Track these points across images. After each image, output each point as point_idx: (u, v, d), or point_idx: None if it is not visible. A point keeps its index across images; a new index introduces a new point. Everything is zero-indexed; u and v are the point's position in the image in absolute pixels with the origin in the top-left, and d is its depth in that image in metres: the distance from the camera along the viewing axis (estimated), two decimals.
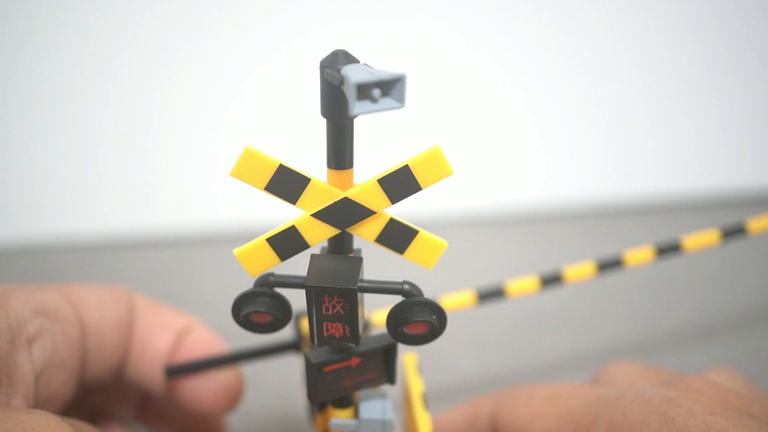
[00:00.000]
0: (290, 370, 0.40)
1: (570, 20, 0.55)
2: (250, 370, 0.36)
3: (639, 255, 0.35)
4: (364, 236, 0.25)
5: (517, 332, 0.46)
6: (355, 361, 0.26)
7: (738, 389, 0.29)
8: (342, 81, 0.21)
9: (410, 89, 0.20)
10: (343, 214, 0.24)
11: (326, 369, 0.26)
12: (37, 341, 0.27)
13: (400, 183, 0.23)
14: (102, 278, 0.51)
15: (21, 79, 0.52)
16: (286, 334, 0.30)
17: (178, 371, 0.31)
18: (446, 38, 0.54)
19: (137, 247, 0.54)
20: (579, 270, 0.35)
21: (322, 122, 0.23)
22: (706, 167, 0.59)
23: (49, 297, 0.28)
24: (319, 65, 0.22)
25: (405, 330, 0.25)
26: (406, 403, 0.32)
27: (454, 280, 0.49)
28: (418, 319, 0.25)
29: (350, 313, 0.24)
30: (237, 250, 0.24)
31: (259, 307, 0.25)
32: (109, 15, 0.51)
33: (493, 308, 0.45)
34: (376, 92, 0.20)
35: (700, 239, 0.35)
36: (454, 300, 0.35)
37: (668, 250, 0.35)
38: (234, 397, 0.32)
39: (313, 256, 0.25)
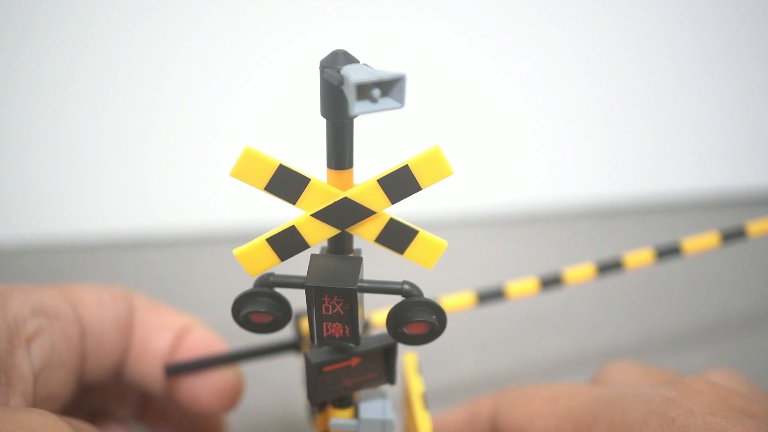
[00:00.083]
0: (290, 370, 0.40)
1: (570, 20, 0.55)
2: (250, 370, 0.36)
3: (639, 257, 0.35)
4: (364, 236, 0.25)
5: (517, 332, 0.46)
6: (355, 361, 0.26)
7: (738, 389, 0.29)
8: (342, 81, 0.21)
9: (410, 89, 0.20)
10: (343, 214, 0.24)
11: (326, 369, 0.26)
12: (36, 341, 0.27)
13: (400, 183, 0.23)
14: (102, 278, 0.51)
15: (21, 79, 0.52)
16: (286, 334, 0.30)
17: (177, 370, 0.31)
18: (446, 38, 0.54)
19: (137, 247, 0.54)
20: (579, 272, 0.35)
21: (322, 122, 0.23)
22: (706, 167, 0.59)
23: (47, 296, 0.28)
24: (318, 65, 0.22)
25: (405, 330, 0.25)
26: (406, 403, 0.32)
27: (454, 280, 0.49)
28: (418, 319, 0.25)
29: (350, 313, 0.24)
30: (237, 250, 0.24)
31: (259, 307, 0.25)
32: (109, 15, 0.51)
33: (493, 308, 0.45)
34: (376, 92, 0.20)
35: (700, 242, 0.35)
36: (454, 301, 0.35)
37: (668, 252, 0.35)
38: (234, 397, 0.32)
39: (313, 256, 0.25)
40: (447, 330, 0.25)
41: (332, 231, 0.24)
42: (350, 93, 0.20)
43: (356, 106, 0.20)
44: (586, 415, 0.28)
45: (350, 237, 0.25)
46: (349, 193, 0.24)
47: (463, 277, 0.51)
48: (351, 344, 0.25)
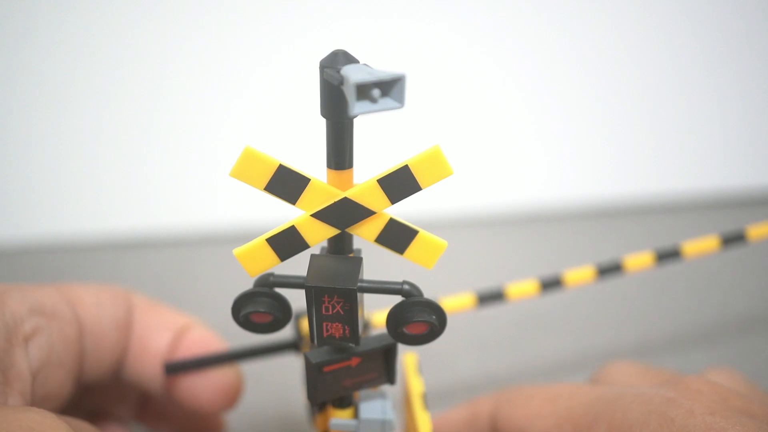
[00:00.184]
0: (290, 370, 0.40)
1: (570, 20, 0.55)
2: (249, 369, 0.36)
3: (639, 260, 0.35)
4: (364, 236, 0.25)
5: (517, 332, 0.46)
6: (355, 361, 0.26)
7: (738, 389, 0.29)
8: (342, 81, 0.21)
9: (410, 89, 0.20)
10: (343, 214, 0.24)
11: (326, 369, 0.26)
12: (34, 340, 0.27)
13: (399, 183, 0.23)
14: (102, 278, 0.51)
15: (21, 79, 0.52)
16: (285, 333, 0.30)
17: (177, 368, 0.31)
18: (446, 38, 0.54)
19: (137, 247, 0.54)
20: (579, 274, 0.35)
21: (322, 122, 0.23)
22: (706, 167, 0.59)
23: (46, 296, 0.28)
24: (318, 65, 0.22)
25: (405, 330, 0.25)
26: (406, 403, 0.32)
27: (454, 280, 0.49)
28: (418, 319, 0.25)
29: (350, 313, 0.24)
30: (237, 250, 0.24)
31: (258, 307, 0.25)
32: (109, 15, 0.51)
33: (493, 309, 0.45)
34: (376, 92, 0.20)
35: (700, 245, 0.35)
36: (454, 302, 0.35)
37: (668, 256, 0.35)
38: (233, 396, 0.32)
39: (312, 256, 0.25)
40: (447, 330, 0.25)
41: (332, 231, 0.24)
42: (350, 93, 0.20)
43: (356, 106, 0.20)
44: (586, 415, 0.28)
45: (350, 237, 0.25)
46: (349, 193, 0.24)
47: (463, 277, 0.51)
48: (351, 344, 0.25)
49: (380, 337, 0.26)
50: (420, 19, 0.53)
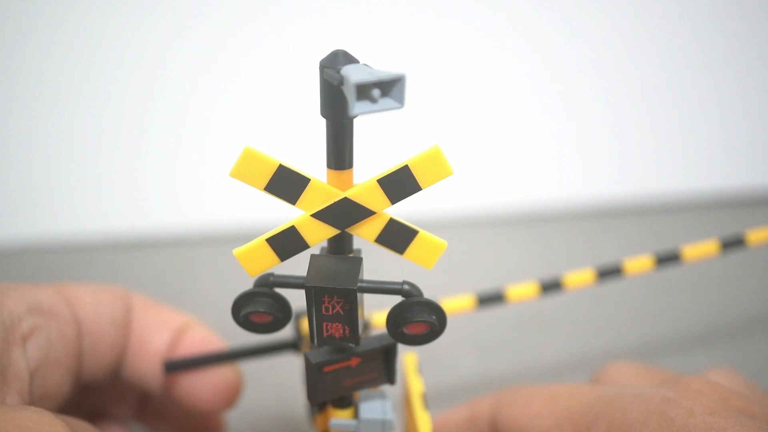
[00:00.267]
0: (290, 370, 0.40)
1: (570, 20, 0.55)
2: (249, 369, 0.36)
3: (638, 264, 0.35)
4: (364, 236, 0.25)
5: (517, 333, 0.46)
6: (355, 361, 0.26)
7: (738, 389, 0.29)
8: (342, 81, 0.21)
9: (410, 89, 0.20)
10: (343, 214, 0.24)
11: (326, 369, 0.26)
12: (32, 339, 0.27)
13: (399, 183, 0.23)
14: (102, 278, 0.51)
15: (21, 79, 0.52)
16: (286, 333, 0.30)
17: (176, 366, 0.31)
18: (446, 38, 0.54)
19: (137, 247, 0.54)
20: (579, 277, 0.35)
21: (322, 122, 0.23)
22: (706, 167, 0.59)
23: (44, 295, 0.28)
24: (318, 65, 0.22)
25: (405, 330, 0.25)
26: (406, 403, 0.32)
27: (454, 280, 0.49)
28: (418, 319, 0.25)
29: (350, 314, 0.24)
30: (237, 251, 0.24)
31: (258, 307, 0.25)
32: (109, 15, 0.51)
33: (493, 309, 0.45)
34: (376, 92, 0.20)
35: (700, 249, 0.35)
36: (454, 303, 0.35)
37: (668, 259, 0.35)
38: (233, 395, 0.32)
39: (312, 256, 0.25)
40: (447, 330, 0.25)
41: (332, 231, 0.24)
42: (350, 93, 0.20)
43: (356, 107, 0.20)
44: (585, 415, 0.28)
45: (350, 237, 0.25)
46: (349, 194, 0.24)
47: (463, 277, 0.51)
48: (351, 344, 0.25)
49: (380, 337, 0.26)
50: (420, 19, 0.53)
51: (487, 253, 0.54)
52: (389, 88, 0.20)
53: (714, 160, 0.59)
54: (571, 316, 0.48)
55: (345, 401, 0.27)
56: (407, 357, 0.31)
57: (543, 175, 0.58)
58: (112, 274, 0.52)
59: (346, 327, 0.24)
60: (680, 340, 0.46)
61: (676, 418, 0.25)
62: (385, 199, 0.24)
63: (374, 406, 0.27)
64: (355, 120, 0.23)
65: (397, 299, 0.25)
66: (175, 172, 0.55)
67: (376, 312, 0.33)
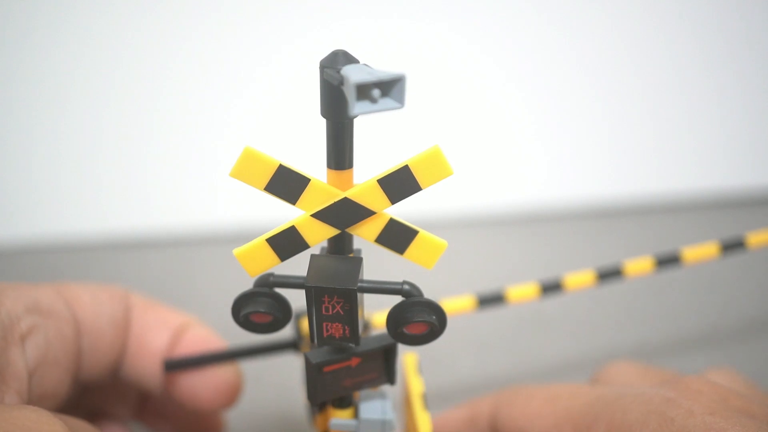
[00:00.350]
0: (290, 370, 0.40)
1: (570, 20, 0.55)
2: (249, 369, 0.36)
3: (638, 265, 0.35)
4: (364, 236, 0.25)
5: (517, 333, 0.46)
6: (355, 361, 0.26)
7: (738, 389, 0.29)
8: (342, 81, 0.21)
9: (410, 89, 0.20)
10: (343, 214, 0.24)
11: (326, 369, 0.26)
12: (31, 338, 0.27)
13: (400, 183, 0.23)
14: (102, 278, 0.51)
15: (21, 79, 0.52)
16: (286, 333, 0.30)
17: (176, 365, 0.31)
18: (446, 38, 0.54)
19: (137, 247, 0.54)
20: (579, 278, 0.35)
21: (322, 122, 0.23)
22: (706, 167, 0.59)
23: (43, 294, 0.28)
24: (318, 65, 0.22)
25: (405, 330, 0.25)
26: (406, 403, 0.32)
27: (454, 280, 0.49)
28: (418, 319, 0.25)
29: (350, 314, 0.24)
30: (237, 251, 0.24)
31: (258, 307, 0.25)
32: (110, 15, 0.51)
33: (493, 309, 0.45)
34: (376, 92, 0.20)
35: (700, 252, 0.35)
36: (454, 304, 0.35)
37: (668, 261, 0.35)
38: (233, 394, 0.32)
39: (313, 256, 0.25)
40: (447, 330, 0.25)
41: (332, 231, 0.24)
42: (350, 93, 0.20)
43: (356, 107, 0.20)
44: (585, 415, 0.28)
45: (350, 237, 0.25)
46: (349, 194, 0.24)
47: (463, 277, 0.51)
48: (351, 344, 0.25)
49: (380, 337, 0.26)
50: (420, 19, 0.53)
51: (487, 253, 0.54)
52: (389, 88, 0.20)
53: (714, 160, 0.59)
54: (571, 316, 0.48)
55: (345, 401, 0.27)
56: (407, 357, 0.31)
57: (543, 175, 0.58)
58: (112, 274, 0.52)
59: (346, 327, 0.24)
60: (680, 340, 0.46)
61: (676, 418, 0.25)
62: (385, 199, 0.24)
63: (374, 406, 0.27)
64: (355, 120, 0.23)
65: (397, 299, 0.25)
66: (175, 172, 0.55)
67: (376, 312, 0.33)
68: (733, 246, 0.35)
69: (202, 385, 0.32)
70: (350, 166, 0.24)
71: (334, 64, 0.21)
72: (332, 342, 0.25)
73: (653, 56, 0.56)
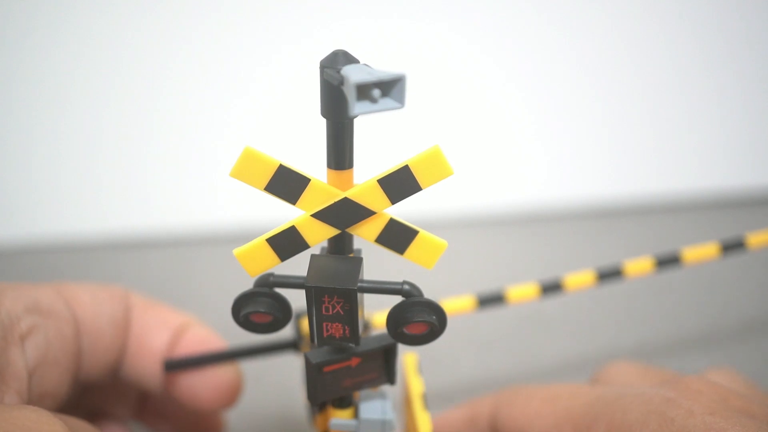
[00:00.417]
0: (290, 370, 0.40)
1: (570, 20, 0.55)
2: (249, 369, 0.36)
3: (638, 266, 0.35)
4: (364, 236, 0.25)
5: (517, 333, 0.46)
6: (355, 361, 0.26)
7: (738, 389, 0.29)
8: (342, 81, 0.21)
9: (410, 89, 0.20)
10: (343, 214, 0.24)
11: (326, 369, 0.26)
12: (30, 338, 0.27)
13: (400, 183, 0.23)
14: (102, 278, 0.51)
15: (21, 79, 0.52)
16: (286, 333, 0.30)
17: (176, 365, 0.31)
18: (446, 38, 0.54)
19: (137, 247, 0.54)
20: (579, 278, 0.35)
21: (322, 122, 0.23)
22: (706, 167, 0.59)
23: (42, 294, 0.28)
24: (318, 65, 0.22)
25: (405, 330, 0.25)
26: (406, 403, 0.32)
27: (454, 280, 0.49)
28: (418, 319, 0.25)
29: (350, 314, 0.24)
30: (237, 251, 0.24)
31: (258, 307, 0.25)
32: (110, 15, 0.51)
33: (493, 309, 0.45)
34: (376, 92, 0.20)
35: (700, 252, 0.35)
36: (454, 304, 0.35)
37: (668, 261, 0.35)
38: (233, 394, 0.32)
39: (313, 256, 0.25)
40: (447, 330, 0.25)
41: (332, 231, 0.24)
42: (350, 93, 0.20)
43: (356, 107, 0.20)
44: (585, 415, 0.28)
45: (350, 237, 0.25)
46: (349, 194, 0.24)
47: (463, 277, 0.51)
48: (351, 344, 0.25)
49: (380, 337, 0.26)
50: (420, 19, 0.53)
51: (487, 253, 0.54)
52: (389, 88, 0.20)
53: (714, 160, 0.59)
54: (571, 316, 0.48)
55: (345, 401, 0.27)
56: (407, 357, 0.31)
57: (543, 175, 0.58)
58: (112, 274, 0.52)
59: (346, 327, 0.24)
60: (680, 340, 0.46)
61: (676, 418, 0.25)
62: (386, 199, 0.24)
63: (374, 406, 0.27)
64: (355, 120, 0.23)
65: (397, 299, 0.25)
66: (175, 172, 0.55)
67: (376, 312, 0.33)
68: (733, 246, 0.35)
69: (202, 385, 0.32)
70: (350, 166, 0.24)
71: (334, 64, 0.21)
72: (332, 342, 0.25)
73: (653, 56, 0.56)
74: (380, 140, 0.46)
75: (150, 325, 0.32)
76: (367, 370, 0.27)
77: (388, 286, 0.25)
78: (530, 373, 0.44)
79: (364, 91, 0.20)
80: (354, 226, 0.24)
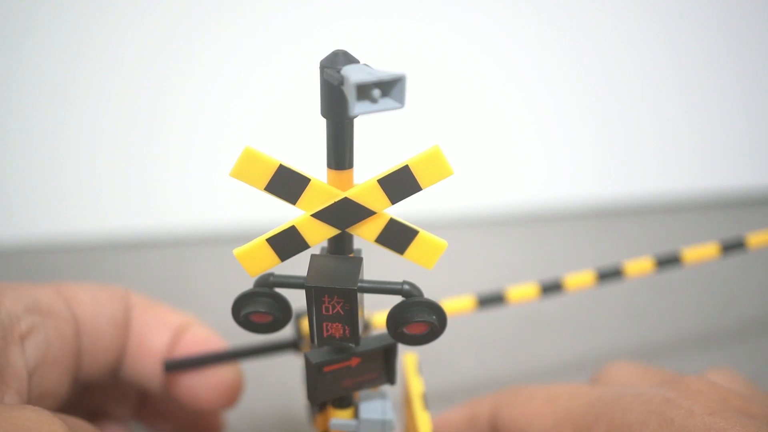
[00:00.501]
0: (290, 370, 0.40)
1: (570, 20, 0.55)
2: (250, 369, 0.36)
3: (639, 266, 0.35)
4: (364, 236, 0.25)
5: (517, 333, 0.46)
6: (355, 361, 0.26)
7: (738, 389, 0.29)
8: (342, 81, 0.21)
9: (410, 89, 0.20)
10: (343, 214, 0.24)
11: (326, 369, 0.26)
12: (30, 338, 0.27)
13: (400, 183, 0.23)
14: (102, 278, 0.51)
15: (21, 79, 0.52)
16: (286, 333, 0.30)
17: (176, 366, 0.31)
18: (446, 38, 0.54)
19: (137, 247, 0.54)
20: (579, 278, 0.35)
21: (322, 122, 0.23)
22: (706, 167, 0.59)
23: (42, 294, 0.28)
24: (319, 65, 0.22)
25: (405, 330, 0.25)
26: (406, 403, 0.32)
27: (454, 280, 0.49)
28: (418, 319, 0.25)
29: (350, 314, 0.24)
30: (237, 251, 0.24)
31: (259, 307, 0.25)
32: (110, 15, 0.51)
33: (493, 309, 0.45)
34: (376, 92, 0.20)
35: (700, 252, 0.35)
36: (454, 304, 0.35)
37: (668, 261, 0.35)
38: (234, 394, 0.32)
39: (313, 256, 0.25)
40: (447, 330, 0.25)
41: (332, 231, 0.24)
42: (350, 93, 0.20)
43: (356, 107, 0.20)
44: (585, 415, 0.28)
45: (350, 237, 0.25)
46: (349, 193, 0.24)
47: (463, 277, 0.51)
48: (351, 344, 0.25)
49: (380, 337, 0.26)
50: (420, 19, 0.53)
51: (487, 253, 0.54)
52: (389, 88, 0.20)
53: (714, 160, 0.59)
54: (571, 316, 0.48)
55: (345, 401, 0.27)
56: (407, 357, 0.31)
57: (543, 175, 0.58)
58: (112, 274, 0.52)
59: (346, 327, 0.24)
60: (680, 340, 0.46)
61: (675, 419, 0.25)
62: (386, 199, 0.24)
63: (374, 406, 0.27)
64: (355, 120, 0.23)
65: (397, 299, 0.25)
66: (175, 172, 0.55)
67: (376, 312, 0.33)
68: (733, 246, 0.35)
69: (202, 385, 0.32)
70: (350, 166, 0.24)
71: (334, 64, 0.21)
72: (332, 342, 0.25)
73: (653, 56, 0.56)
74: (380, 140, 0.46)
75: (150, 325, 0.32)
76: (367, 370, 0.27)
77: (388, 286, 0.25)
78: (530, 373, 0.44)
79: (364, 91, 0.20)
80: (354, 226, 0.24)
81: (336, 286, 0.24)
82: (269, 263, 0.24)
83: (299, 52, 0.53)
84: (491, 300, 0.35)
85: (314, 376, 0.26)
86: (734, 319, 0.48)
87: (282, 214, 0.26)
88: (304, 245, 0.24)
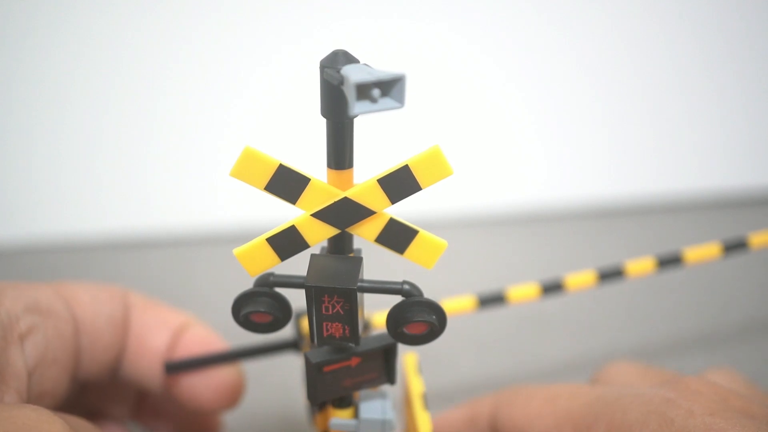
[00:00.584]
0: (290, 370, 0.40)
1: (570, 20, 0.55)
2: (250, 369, 0.36)
3: (640, 266, 0.35)
4: (364, 236, 0.25)
5: (517, 333, 0.46)
6: (355, 361, 0.26)
7: (738, 390, 0.29)
8: (342, 81, 0.21)
9: (410, 89, 0.20)
10: (343, 214, 0.24)
11: (326, 369, 0.26)
12: (30, 338, 0.27)
13: (400, 183, 0.23)
14: (101, 278, 0.51)
15: (21, 79, 0.52)
16: (286, 333, 0.30)
17: (177, 367, 0.31)
18: (446, 38, 0.54)
19: (137, 247, 0.54)
20: (580, 278, 0.35)
21: (322, 122, 0.23)
22: (706, 167, 0.59)
23: (41, 294, 0.28)
24: (318, 65, 0.22)
25: (405, 330, 0.25)
26: (406, 403, 0.32)
27: (454, 280, 0.49)
28: (418, 319, 0.25)
29: (350, 313, 0.24)
30: (237, 250, 0.24)
31: (258, 307, 0.25)
32: (110, 15, 0.51)
33: (493, 309, 0.45)
34: (376, 92, 0.20)
35: (701, 252, 0.35)
36: (454, 304, 0.35)
37: (669, 261, 0.35)
38: (234, 395, 0.32)
39: (313, 256, 0.25)
40: (447, 330, 0.25)
41: (332, 231, 0.24)
42: (350, 93, 0.20)
43: (356, 106, 0.20)
44: (585, 415, 0.28)
45: (350, 237, 0.25)
46: (349, 193, 0.24)
47: (463, 276, 0.51)
48: (351, 344, 0.25)
49: (380, 337, 0.26)
50: (420, 19, 0.53)
51: (487, 253, 0.54)
52: (389, 88, 0.20)
53: (714, 160, 0.59)
54: (571, 316, 0.48)
55: (345, 401, 0.27)
56: (407, 357, 0.31)
57: (543, 175, 0.58)
58: (111, 274, 0.52)
59: (346, 327, 0.24)
60: (680, 340, 0.46)
61: (675, 419, 0.25)
62: (385, 199, 0.24)
63: (374, 406, 0.27)
64: (355, 120, 0.23)
65: (397, 299, 0.25)
66: (175, 172, 0.55)
67: (376, 312, 0.33)
68: (735, 246, 0.35)
69: (203, 386, 0.32)
70: (350, 165, 0.24)
71: (334, 63, 0.21)
72: (332, 342, 0.25)
73: (653, 56, 0.56)
74: (380, 140, 0.46)
75: (150, 324, 0.32)
76: (367, 369, 0.27)
77: (388, 285, 0.25)
78: (530, 373, 0.44)
79: (364, 91, 0.20)
80: (354, 225, 0.24)
81: (336, 286, 0.24)
82: (269, 263, 0.24)
83: (299, 52, 0.53)
84: (491, 300, 0.35)
85: (314, 375, 0.26)
86: (734, 319, 0.48)
87: (282, 214, 0.26)
88: (304, 245, 0.24)
